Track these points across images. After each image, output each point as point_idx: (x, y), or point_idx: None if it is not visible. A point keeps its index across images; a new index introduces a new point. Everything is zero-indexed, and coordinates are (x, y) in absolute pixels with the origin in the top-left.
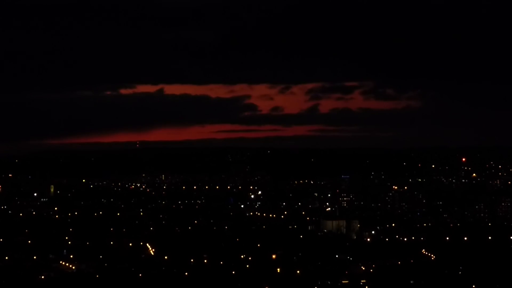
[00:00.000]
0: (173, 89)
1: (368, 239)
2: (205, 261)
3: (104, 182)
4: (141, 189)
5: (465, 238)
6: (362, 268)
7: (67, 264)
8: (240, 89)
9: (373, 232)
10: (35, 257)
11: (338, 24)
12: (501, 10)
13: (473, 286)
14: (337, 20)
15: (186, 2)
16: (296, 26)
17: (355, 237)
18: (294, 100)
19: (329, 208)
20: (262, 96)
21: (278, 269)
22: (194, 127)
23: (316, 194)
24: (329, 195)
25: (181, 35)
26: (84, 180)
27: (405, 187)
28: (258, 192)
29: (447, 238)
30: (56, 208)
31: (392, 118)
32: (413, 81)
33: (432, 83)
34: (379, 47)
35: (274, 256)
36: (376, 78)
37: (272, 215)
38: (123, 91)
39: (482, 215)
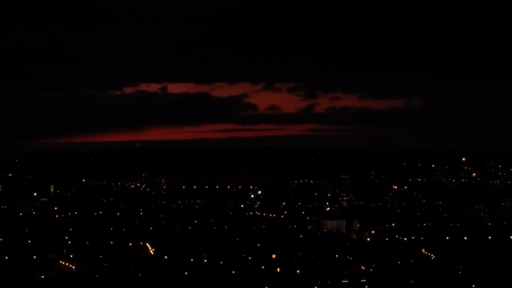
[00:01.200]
0: (176, 88)
1: (368, 239)
2: (205, 261)
3: (104, 182)
4: (141, 189)
5: (465, 238)
6: (362, 268)
7: (67, 264)
8: (237, 88)
9: (373, 232)
10: (35, 257)
11: (326, 23)
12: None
13: (473, 286)
14: (325, 18)
15: None
16: (281, 24)
17: (355, 237)
18: (284, 99)
19: (329, 208)
20: (257, 95)
21: (278, 269)
22: (191, 127)
23: (316, 194)
24: (329, 195)
25: (179, 33)
26: (84, 180)
27: (405, 187)
28: (258, 192)
29: (447, 238)
30: (56, 208)
31: (389, 117)
32: (409, 80)
33: (432, 82)
34: (369, 46)
35: (274, 256)
36: (368, 77)
37: (272, 215)
38: (127, 90)
39: (482, 215)
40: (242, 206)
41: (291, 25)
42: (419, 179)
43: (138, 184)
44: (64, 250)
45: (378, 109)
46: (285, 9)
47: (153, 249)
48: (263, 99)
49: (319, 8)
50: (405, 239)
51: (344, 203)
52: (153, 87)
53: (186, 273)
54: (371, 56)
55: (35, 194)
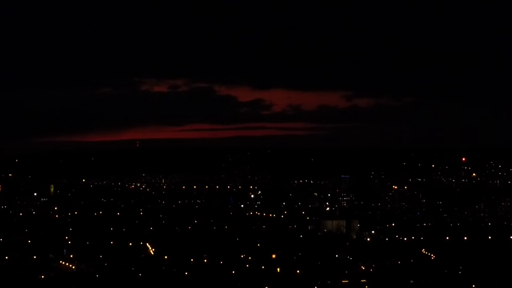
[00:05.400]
0: (168, 86)
1: (368, 239)
2: (205, 261)
3: (104, 182)
4: (141, 189)
5: (465, 238)
6: (362, 268)
7: (67, 264)
8: (229, 89)
9: (373, 232)
10: (35, 257)
11: (314, 19)
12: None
13: (473, 286)
14: (314, 15)
15: None
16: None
17: (355, 237)
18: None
19: (329, 208)
20: (246, 94)
21: (278, 269)
22: (175, 126)
23: (316, 194)
24: (329, 195)
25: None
26: (84, 180)
27: (405, 187)
28: (258, 192)
29: (447, 238)
30: (56, 208)
31: (384, 116)
32: (407, 82)
33: (431, 82)
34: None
35: (274, 256)
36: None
37: (272, 215)
38: (121, 87)
39: (482, 215)
40: (242, 206)
41: (282, 23)
42: (419, 179)
43: (138, 184)
44: (64, 250)
45: (369, 107)
46: (279, 6)
47: (153, 249)
48: (251, 98)
49: (308, 4)
50: (405, 239)
51: (344, 203)
52: (146, 85)
53: (186, 273)
54: (365, 53)
55: (35, 194)
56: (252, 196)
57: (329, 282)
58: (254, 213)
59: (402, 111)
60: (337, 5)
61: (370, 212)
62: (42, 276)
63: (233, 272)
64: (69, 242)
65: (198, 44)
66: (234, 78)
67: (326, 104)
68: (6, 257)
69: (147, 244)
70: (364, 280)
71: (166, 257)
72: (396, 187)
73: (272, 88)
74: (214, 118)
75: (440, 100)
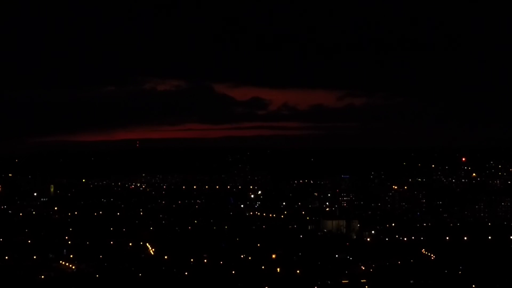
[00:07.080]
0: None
1: (368, 239)
2: (205, 261)
3: (104, 182)
4: (141, 189)
5: (465, 238)
6: (362, 268)
7: (67, 264)
8: (225, 87)
9: (373, 232)
10: (35, 257)
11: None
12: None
13: (473, 286)
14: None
15: None
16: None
17: (355, 237)
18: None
19: (329, 208)
20: (237, 93)
21: (278, 269)
22: (184, 125)
23: (316, 194)
24: (329, 195)
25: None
26: (84, 180)
27: (405, 187)
28: (258, 192)
29: (447, 238)
30: (56, 208)
31: (386, 116)
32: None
33: (433, 82)
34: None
35: (274, 256)
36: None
37: (272, 215)
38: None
39: (482, 215)
40: (242, 206)
41: (278, 23)
42: (419, 179)
43: (138, 184)
44: (64, 250)
45: (363, 107)
46: (276, 7)
47: (153, 249)
48: (247, 97)
49: (305, 4)
50: (405, 239)
51: (344, 203)
52: (149, 84)
53: (186, 273)
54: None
55: (35, 194)
56: (252, 196)
57: (329, 282)
58: (254, 213)
59: (400, 110)
60: (332, 5)
61: (370, 212)
62: (42, 276)
63: (233, 272)
64: (69, 242)
65: (198, 43)
66: (232, 77)
67: (320, 103)
68: (6, 257)
69: (147, 244)
70: (364, 280)
71: (166, 257)
72: (396, 187)
73: (269, 87)
74: (211, 118)
75: (439, 100)
